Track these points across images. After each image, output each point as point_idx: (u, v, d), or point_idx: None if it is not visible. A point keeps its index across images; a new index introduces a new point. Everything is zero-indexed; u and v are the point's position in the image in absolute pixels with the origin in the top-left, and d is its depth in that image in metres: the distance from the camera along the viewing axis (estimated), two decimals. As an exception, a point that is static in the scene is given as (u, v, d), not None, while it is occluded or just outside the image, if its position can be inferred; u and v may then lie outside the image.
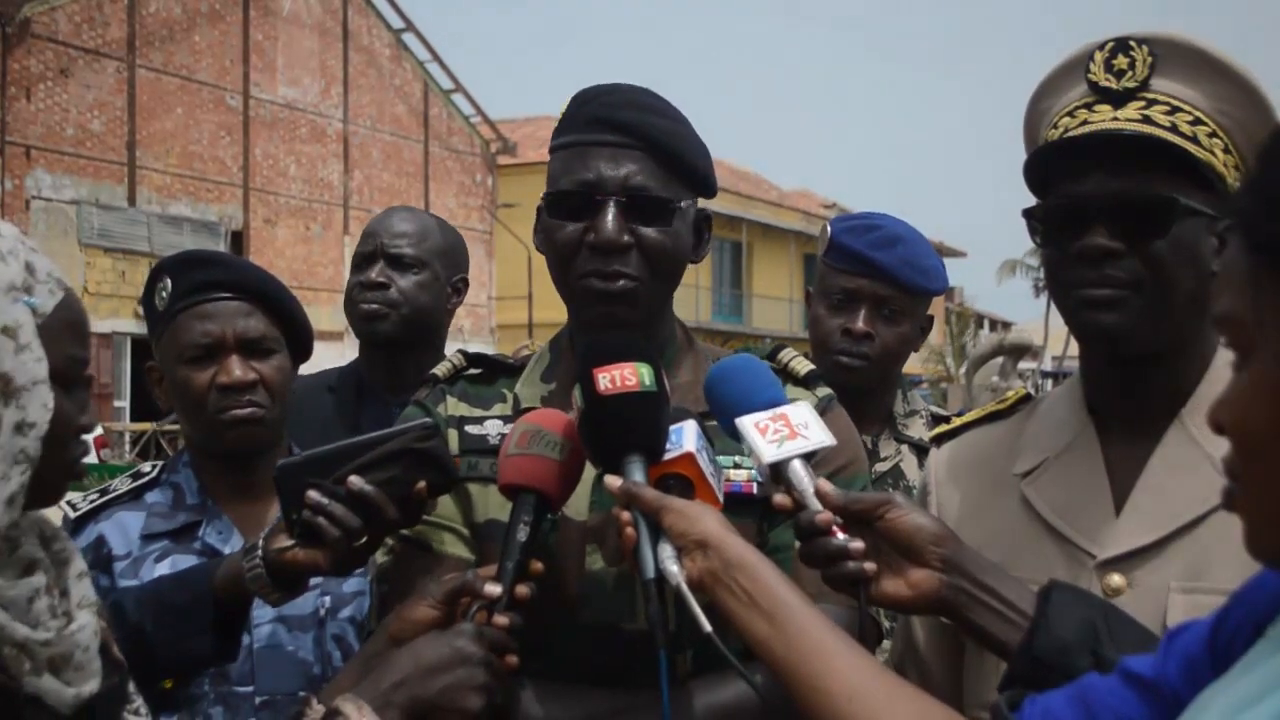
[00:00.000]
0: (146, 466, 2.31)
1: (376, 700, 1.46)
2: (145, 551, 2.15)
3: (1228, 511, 0.97)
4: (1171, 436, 1.64)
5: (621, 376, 1.52)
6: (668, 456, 1.54)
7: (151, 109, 25.00)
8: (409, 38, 31.30)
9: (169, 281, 2.20)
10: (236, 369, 2.16)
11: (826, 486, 1.47)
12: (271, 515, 2.22)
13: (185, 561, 2.10)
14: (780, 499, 1.49)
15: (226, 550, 2.14)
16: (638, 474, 1.50)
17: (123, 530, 2.17)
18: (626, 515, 1.47)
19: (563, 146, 1.78)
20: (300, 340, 2.30)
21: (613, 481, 1.50)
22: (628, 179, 1.71)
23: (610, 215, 1.70)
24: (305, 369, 3.09)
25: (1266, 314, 0.89)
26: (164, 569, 2.09)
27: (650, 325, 1.78)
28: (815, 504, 1.46)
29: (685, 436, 1.55)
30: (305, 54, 28.63)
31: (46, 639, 1.37)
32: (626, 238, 1.71)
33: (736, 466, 1.73)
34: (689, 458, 1.53)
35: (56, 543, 1.49)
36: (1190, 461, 1.61)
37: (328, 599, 2.20)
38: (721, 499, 1.56)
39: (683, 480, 1.53)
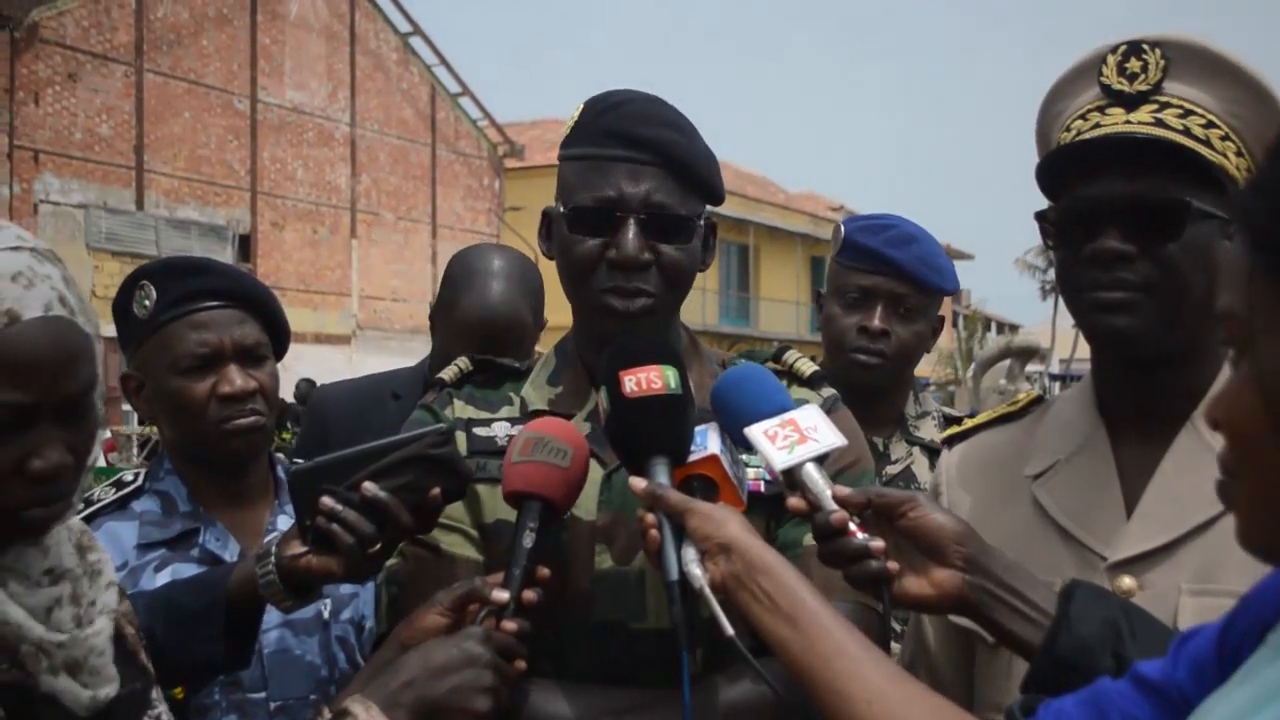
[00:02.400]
0: (129, 475, 2.27)
1: (384, 700, 1.46)
2: (143, 561, 2.12)
3: (1224, 507, 0.98)
4: (1183, 439, 1.65)
5: (647, 379, 1.54)
6: (692, 458, 1.55)
7: (159, 113, 25.02)
8: (416, 41, 31.31)
9: (153, 289, 2.16)
10: (238, 379, 2.14)
11: (845, 490, 1.47)
12: (263, 521, 2.23)
13: (186, 569, 2.08)
14: (795, 503, 1.49)
15: (226, 556, 2.13)
16: (662, 476, 1.51)
17: (115, 541, 2.12)
18: (651, 518, 1.48)
19: (576, 157, 1.78)
20: (280, 345, 2.30)
21: (637, 483, 1.51)
22: (648, 196, 1.73)
23: (631, 233, 1.71)
24: (316, 373, 3.06)
25: (1262, 311, 0.90)
26: (164, 578, 2.07)
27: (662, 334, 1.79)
28: (831, 504, 1.46)
29: (710, 438, 1.56)
30: (312, 58, 28.65)
31: (61, 641, 1.37)
32: (647, 255, 1.72)
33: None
34: (713, 460, 1.54)
35: (92, 553, 1.49)
36: (1201, 464, 1.61)
37: (328, 601, 2.19)
38: (745, 500, 1.57)
39: (707, 482, 1.54)
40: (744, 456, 1.72)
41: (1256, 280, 0.91)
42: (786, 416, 1.53)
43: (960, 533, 1.46)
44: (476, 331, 2.85)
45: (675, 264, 1.75)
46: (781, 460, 1.49)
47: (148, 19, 24.78)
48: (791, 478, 1.49)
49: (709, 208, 1.83)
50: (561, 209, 1.78)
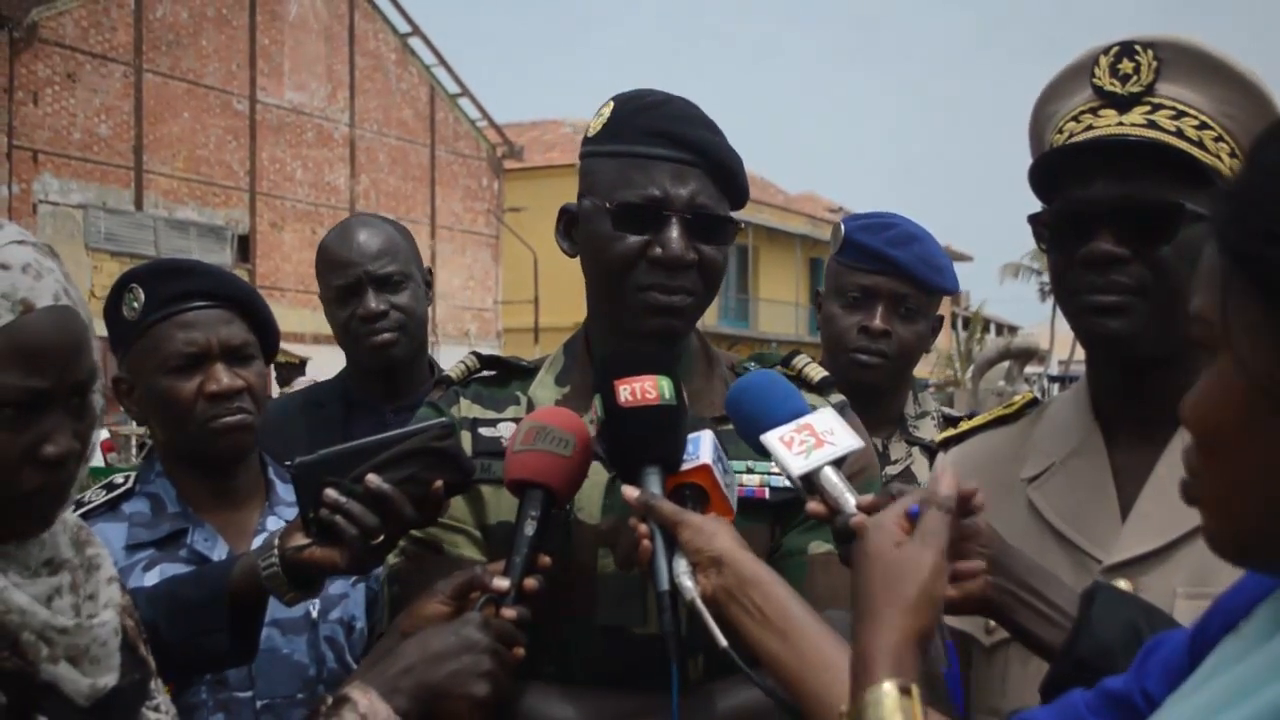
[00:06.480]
0: (119, 478, 2.28)
1: (384, 686, 1.48)
2: (131, 561, 2.13)
3: (1188, 505, 0.98)
4: (1177, 442, 1.64)
5: (642, 389, 1.55)
6: (684, 467, 1.56)
7: (158, 113, 25.05)
8: (415, 42, 31.35)
9: (141, 291, 2.19)
10: (224, 377, 2.15)
11: (867, 496, 1.47)
12: (253, 522, 2.24)
13: (174, 569, 2.08)
14: (814, 507, 1.49)
15: (214, 556, 2.14)
16: (654, 485, 1.53)
17: (104, 542, 2.13)
18: (644, 527, 1.50)
19: (613, 154, 1.77)
20: (269, 346, 2.31)
21: (630, 493, 1.53)
22: (692, 197, 1.73)
23: (676, 232, 1.72)
24: (311, 372, 3.05)
25: (1232, 317, 0.91)
26: (153, 578, 2.08)
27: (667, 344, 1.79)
28: (851, 507, 1.45)
29: (702, 447, 1.58)
30: (311, 58, 28.68)
31: (65, 627, 1.38)
32: (691, 255, 1.73)
33: (749, 471, 1.75)
34: (705, 469, 1.56)
35: (90, 548, 1.51)
36: (1197, 467, 1.60)
37: (316, 601, 2.19)
38: (735, 509, 1.58)
39: (698, 490, 1.55)
40: (750, 463, 1.74)
41: (1229, 285, 0.91)
42: (802, 421, 1.53)
43: (983, 533, 1.45)
44: (348, 256, 2.92)
45: (715, 264, 1.76)
46: (799, 465, 1.49)
47: (147, 19, 24.81)
48: (810, 482, 1.49)
49: None
50: (595, 204, 1.77)
